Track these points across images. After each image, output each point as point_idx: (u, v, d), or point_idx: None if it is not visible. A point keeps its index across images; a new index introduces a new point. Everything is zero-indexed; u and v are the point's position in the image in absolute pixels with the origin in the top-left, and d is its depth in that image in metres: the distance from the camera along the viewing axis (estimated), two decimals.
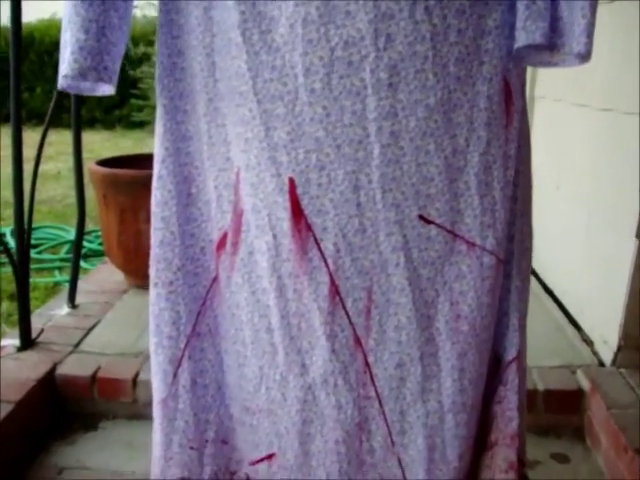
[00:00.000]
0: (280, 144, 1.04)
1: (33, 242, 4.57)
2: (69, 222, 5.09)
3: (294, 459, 1.23)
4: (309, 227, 1.07)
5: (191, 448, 1.28)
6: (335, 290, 1.11)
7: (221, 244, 1.17)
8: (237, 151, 1.09)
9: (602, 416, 2.08)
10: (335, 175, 1.05)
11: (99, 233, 4.83)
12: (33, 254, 4.32)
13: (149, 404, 2.30)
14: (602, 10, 2.44)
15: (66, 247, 4.75)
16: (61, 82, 1.14)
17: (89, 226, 4.78)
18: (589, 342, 2.51)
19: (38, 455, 2.16)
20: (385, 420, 1.19)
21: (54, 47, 9.61)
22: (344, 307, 1.12)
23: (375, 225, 1.08)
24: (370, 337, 1.14)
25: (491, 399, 1.25)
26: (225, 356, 1.25)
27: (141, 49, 7.73)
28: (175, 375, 1.24)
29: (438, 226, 1.08)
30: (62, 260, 4.52)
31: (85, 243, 4.47)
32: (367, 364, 1.16)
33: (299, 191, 1.05)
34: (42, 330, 2.62)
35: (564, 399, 2.23)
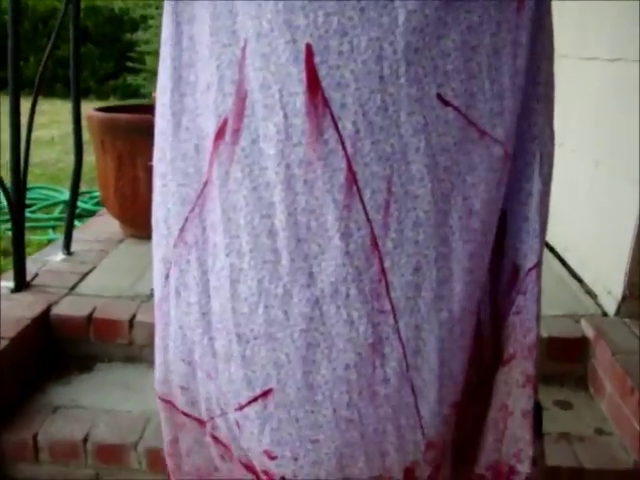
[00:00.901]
0: (297, 5, 0.93)
1: (27, 202, 4.52)
2: (62, 184, 5.04)
3: (295, 393, 1.08)
4: (326, 102, 0.96)
5: (182, 360, 1.16)
6: (352, 178, 0.99)
7: (220, 133, 1.04)
8: (246, 20, 0.98)
9: (607, 362, 2.06)
10: (358, 42, 0.94)
11: (94, 194, 4.80)
12: (27, 213, 4.27)
13: (146, 346, 2.29)
14: None
15: (59, 207, 4.70)
16: None
17: (83, 187, 4.73)
18: (592, 294, 2.48)
19: (32, 394, 2.12)
20: (400, 339, 1.07)
21: (48, 15, 9.51)
22: (362, 200, 1.00)
23: (397, 103, 0.97)
24: (388, 237, 1.02)
25: (508, 310, 1.20)
26: (212, 276, 1.10)
27: (138, 12, 7.64)
28: (167, 277, 1.13)
29: (455, 109, 0.99)
30: (56, 219, 4.47)
31: (79, 203, 4.42)
32: (383, 270, 1.03)
33: (317, 60, 0.94)
34: (37, 274, 2.57)
35: (568, 347, 2.20)
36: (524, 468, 1.24)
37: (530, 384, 1.20)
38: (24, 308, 2.26)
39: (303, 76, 0.96)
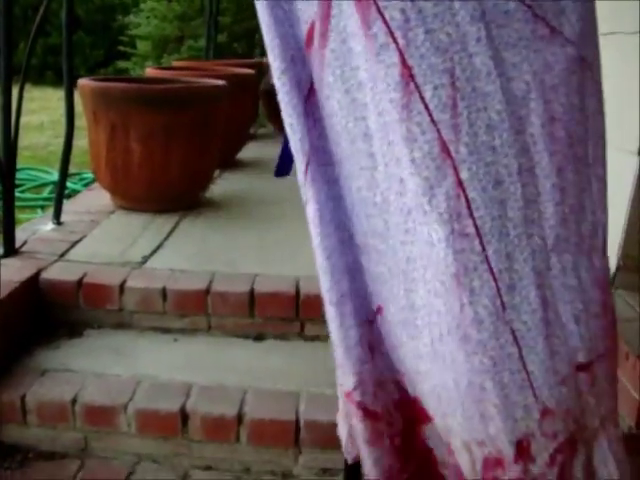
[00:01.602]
0: None
1: (16, 182, 4.48)
2: (52, 167, 5.00)
3: (399, 312, 1.00)
4: None
5: (330, 303, 1.05)
6: (408, 74, 0.88)
7: (309, 39, 0.96)
8: None
9: None
10: None
11: (83, 176, 4.77)
12: (16, 193, 4.23)
13: (136, 312, 2.26)
14: None
15: (48, 188, 4.66)
16: None
17: (73, 169, 4.69)
18: None
19: (20, 357, 2.09)
20: (491, 270, 0.91)
21: (39, 2, 9.37)
22: (422, 98, 0.88)
23: None
24: (461, 142, 0.89)
25: None
26: (336, 186, 1.03)
27: None
28: (307, 202, 1.04)
29: None
30: (45, 199, 4.43)
31: (69, 184, 4.37)
32: (461, 183, 0.90)
33: None
34: (26, 241, 2.54)
35: None
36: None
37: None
38: (13, 272, 2.22)
39: None
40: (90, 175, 4.58)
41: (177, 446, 1.91)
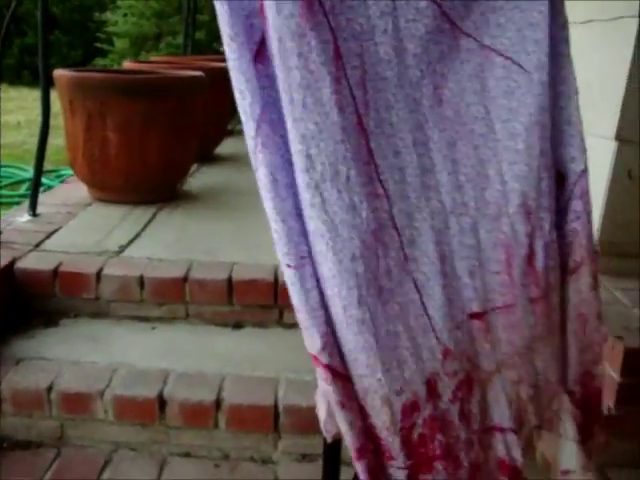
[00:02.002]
0: None
1: None
2: (28, 165, 4.96)
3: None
4: None
5: (288, 266, 1.06)
6: (337, 52, 0.99)
7: (261, 8, 1.00)
8: None
9: None
10: None
11: (60, 172, 4.73)
12: None
13: (113, 301, 2.24)
14: None
15: (25, 185, 4.62)
16: None
17: (49, 167, 4.66)
18: None
19: None
20: (395, 226, 1.05)
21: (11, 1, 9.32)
22: (345, 75, 1.00)
23: None
24: (370, 116, 1.02)
25: (564, 220, 1.16)
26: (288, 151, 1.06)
27: None
28: (257, 169, 1.05)
29: None
30: (21, 196, 4.39)
31: (45, 180, 4.33)
32: (370, 151, 1.03)
33: None
34: (0, 232, 2.50)
35: None
36: (598, 370, 1.23)
37: (597, 286, 1.18)
38: None
39: None
40: (67, 172, 4.55)
41: (155, 433, 1.89)
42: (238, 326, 2.22)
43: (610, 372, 1.84)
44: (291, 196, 1.05)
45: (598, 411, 1.27)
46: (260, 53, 1.03)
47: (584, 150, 1.15)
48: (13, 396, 1.88)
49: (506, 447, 1.16)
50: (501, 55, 1.10)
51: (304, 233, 1.06)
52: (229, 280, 2.18)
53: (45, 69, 2.61)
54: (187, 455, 1.90)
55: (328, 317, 1.06)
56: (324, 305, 1.06)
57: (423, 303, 1.07)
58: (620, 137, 2.16)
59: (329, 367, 1.05)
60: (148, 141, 2.77)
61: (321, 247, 1.02)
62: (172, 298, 2.22)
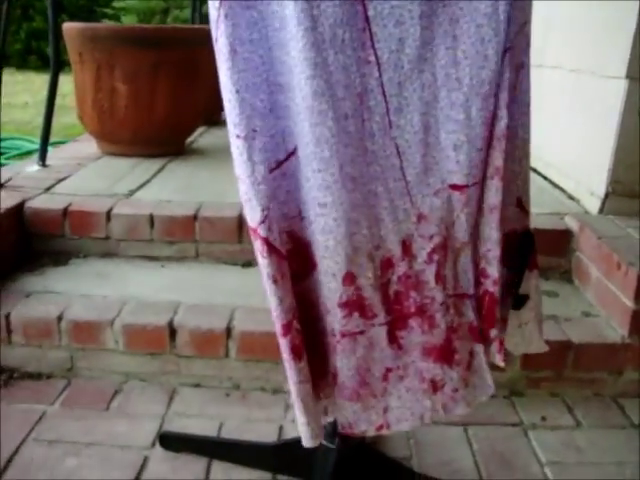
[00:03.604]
0: None
1: (0, 150, 4.45)
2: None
3: (304, 148, 1.08)
4: None
5: (238, 137, 1.09)
6: None
7: None
8: None
9: (592, 247, 2.04)
10: None
11: (65, 144, 4.73)
12: (1, 160, 4.19)
13: (123, 240, 2.24)
14: None
15: (34, 156, 4.61)
16: None
17: (56, 139, 4.66)
18: (575, 199, 2.47)
19: (4, 283, 2.05)
20: (383, 93, 1.08)
21: None
22: None
23: None
24: None
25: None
26: (253, 28, 1.08)
27: None
28: (216, 40, 1.08)
29: None
30: None
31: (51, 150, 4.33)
32: (367, 19, 1.05)
33: None
34: (10, 178, 2.50)
35: (553, 239, 2.18)
36: (493, 271, 1.23)
37: (498, 176, 1.19)
38: None
39: None
40: None
41: (165, 363, 1.88)
42: (248, 265, 2.21)
43: (623, 299, 1.82)
44: (250, 69, 1.07)
45: (492, 316, 1.27)
46: None
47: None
48: (23, 326, 1.88)
49: (475, 314, 1.24)
50: None
51: (263, 108, 1.08)
52: (239, 218, 2.17)
53: (56, 50, 2.63)
54: (197, 385, 1.89)
55: (270, 192, 1.09)
56: (267, 180, 1.08)
57: (402, 168, 1.12)
58: (630, 75, 2.15)
59: (266, 240, 1.09)
60: (157, 92, 2.76)
61: (322, 107, 1.05)
62: (182, 237, 2.21)
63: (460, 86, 1.10)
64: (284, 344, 1.12)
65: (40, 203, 2.26)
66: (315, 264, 1.14)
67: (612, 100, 2.23)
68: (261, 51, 1.08)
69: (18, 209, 2.21)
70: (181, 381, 1.89)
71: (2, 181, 2.42)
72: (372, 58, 1.07)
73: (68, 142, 4.62)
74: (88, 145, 3.07)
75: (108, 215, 2.20)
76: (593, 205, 2.31)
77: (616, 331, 1.86)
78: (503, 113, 1.18)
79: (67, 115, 3.26)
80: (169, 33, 2.88)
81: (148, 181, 2.57)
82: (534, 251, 1.38)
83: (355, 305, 1.13)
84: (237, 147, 1.09)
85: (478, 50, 1.10)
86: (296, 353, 1.13)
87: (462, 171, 1.14)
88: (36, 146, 4.63)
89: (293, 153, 1.11)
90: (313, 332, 1.19)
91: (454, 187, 1.14)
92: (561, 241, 2.18)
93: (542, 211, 2.30)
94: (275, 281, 1.10)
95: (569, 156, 2.59)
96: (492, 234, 1.22)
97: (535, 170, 2.89)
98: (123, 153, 2.87)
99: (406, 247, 1.15)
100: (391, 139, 1.11)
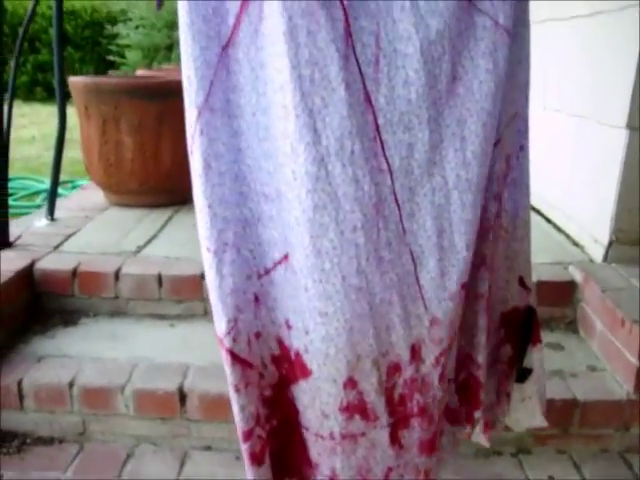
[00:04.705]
0: None
1: (9, 191, 4.47)
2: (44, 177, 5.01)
3: (304, 259, 1.07)
4: None
5: (208, 250, 1.10)
6: (348, 30, 1.01)
7: None
8: None
9: (596, 300, 2.05)
10: None
11: (75, 183, 4.77)
12: (10, 201, 4.22)
13: (132, 299, 2.26)
14: None
15: (41, 196, 4.65)
16: None
17: (65, 178, 4.70)
18: (579, 245, 2.49)
19: (16, 345, 2.08)
20: (396, 201, 1.09)
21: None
22: (354, 52, 1.02)
23: None
24: (380, 93, 1.05)
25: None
26: (238, 139, 1.09)
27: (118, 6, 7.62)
28: (192, 153, 1.09)
29: None
30: (37, 207, 4.42)
31: (61, 191, 4.37)
32: (377, 128, 1.06)
33: None
34: (20, 235, 2.53)
35: (557, 291, 2.20)
36: (478, 356, 1.26)
37: (485, 265, 1.20)
38: (7, 263, 2.22)
39: None
40: (82, 183, 4.59)
41: (176, 427, 1.90)
42: None
43: (628, 355, 1.84)
44: (224, 183, 1.08)
45: (477, 399, 1.30)
46: (232, 37, 1.06)
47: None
48: (35, 392, 1.90)
49: (454, 397, 1.28)
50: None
51: (239, 222, 1.09)
52: None
53: (61, 82, 2.66)
54: (208, 448, 1.91)
55: (239, 304, 1.10)
56: (239, 293, 1.09)
57: (416, 273, 1.12)
58: (631, 125, 2.17)
59: (230, 351, 1.10)
60: (162, 143, 2.80)
61: (324, 219, 1.05)
62: (190, 295, 2.24)
63: (470, 186, 1.11)
64: (244, 449, 1.14)
65: (49, 263, 2.29)
66: (309, 371, 1.13)
67: (613, 149, 2.25)
68: (248, 161, 1.09)
69: (28, 270, 2.24)
70: (192, 444, 1.91)
71: (12, 239, 2.46)
72: (384, 166, 1.07)
73: (76, 185, 4.69)
74: (95, 194, 3.10)
75: (117, 275, 2.23)
76: (597, 252, 2.33)
77: (622, 387, 1.87)
78: (492, 204, 1.20)
79: (73, 149, 3.29)
80: (172, 85, 2.91)
81: (155, 236, 2.60)
82: (537, 326, 1.40)
83: (357, 408, 1.14)
84: (206, 259, 1.10)
85: (484, 149, 1.12)
86: (255, 459, 1.15)
87: (470, 267, 1.16)
88: (45, 186, 4.69)
89: (280, 262, 1.11)
90: (299, 434, 1.20)
91: (464, 285, 1.15)
92: (566, 292, 2.19)
93: (546, 260, 2.31)
94: (237, 390, 1.12)
95: (573, 200, 2.61)
96: (479, 321, 1.25)
97: (539, 212, 2.91)
98: (130, 204, 2.91)
99: (415, 351, 1.15)
100: (405, 245, 1.11)
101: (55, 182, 2.75)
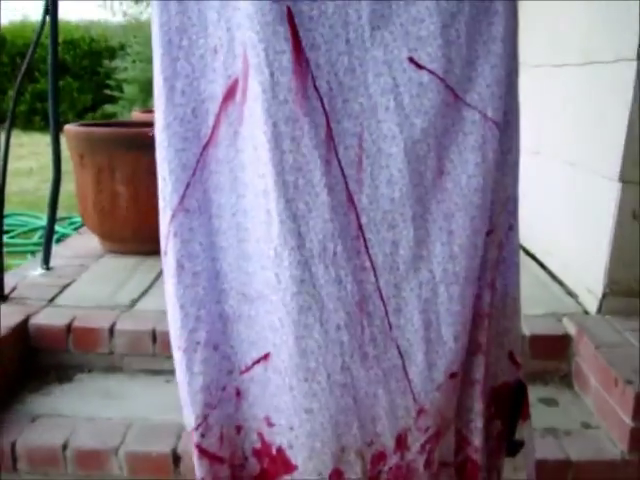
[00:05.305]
0: None
1: (5, 228, 4.48)
2: (41, 212, 5.01)
3: (288, 360, 1.07)
4: (307, 61, 1.00)
5: (179, 348, 1.12)
6: (330, 134, 1.03)
7: (229, 94, 1.05)
8: None
9: (590, 356, 2.05)
10: (325, 7, 1.00)
11: (73, 220, 4.77)
12: (5, 239, 4.23)
13: (127, 355, 2.26)
14: None
15: (38, 233, 4.66)
16: None
17: (62, 213, 4.70)
18: (573, 295, 2.49)
19: (10, 404, 2.08)
20: (381, 297, 1.09)
21: (26, 49, 9.48)
22: (337, 155, 1.04)
23: (364, 65, 1.02)
24: (363, 193, 1.06)
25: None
26: (219, 237, 1.10)
27: (116, 40, 7.68)
28: (165, 253, 1.11)
29: (430, 72, 1.03)
30: (34, 245, 4.43)
31: (58, 228, 4.38)
32: (360, 227, 1.06)
33: (296, 21, 0.99)
34: (15, 287, 2.54)
35: (551, 344, 2.20)
36: (475, 440, 1.25)
37: (481, 352, 1.21)
38: (2, 319, 2.21)
39: (289, 35, 0.98)
40: (79, 219, 4.59)
41: None
42: None
43: (622, 415, 1.84)
44: (198, 283, 1.10)
45: None
46: (213, 137, 1.08)
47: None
48: (29, 454, 1.90)
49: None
50: None
51: (213, 321, 1.11)
52: None
53: (55, 118, 2.66)
54: None
55: (210, 401, 1.12)
56: (208, 388, 1.11)
57: (405, 368, 1.12)
58: (623, 178, 2.18)
59: (198, 446, 1.13)
60: (155, 194, 2.80)
61: (308, 320, 1.06)
62: None
63: (457, 279, 1.12)
64: None
65: (44, 318, 2.29)
66: (294, 466, 1.13)
67: (607, 200, 2.26)
68: (229, 259, 1.11)
69: (23, 326, 2.24)
70: None
71: (7, 291, 2.46)
72: (368, 264, 1.08)
73: (73, 221, 4.70)
74: (90, 239, 3.11)
75: (111, 331, 2.23)
76: (591, 303, 2.33)
77: (616, 446, 1.87)
78: (485, 292, 1.20)
79: (70, 181, 3.31)
80: None
81: (149, 287, 2.60)
82: (526, 402, 1.40)
83: None
84: (178, 358, 1.12)
85: (472, 242, 1.12)
86: None
87: (458, 358, 1.16)
88: (42, 222, 4.70)
89: (259, 361, 1.12)
90: None
91: (452, 375, 1.15)
92: (560, 345, 2.20)
93: (540, 311, 2.32)
94: None
95: (567, 248, 2.62)
96: (475, 406, 1.25)
97: (534, 257, 2.92)
98: (124, 251, 2.91)
99: (401, 440, 1.15)
100: (392, 340, 1.11)
101: (50, 233, 2.75)
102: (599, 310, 2.29)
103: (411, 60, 1.03)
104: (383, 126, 1.05)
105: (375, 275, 1.09)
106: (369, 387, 1.10)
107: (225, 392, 1.14)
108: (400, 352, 1.11)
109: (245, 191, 1.07)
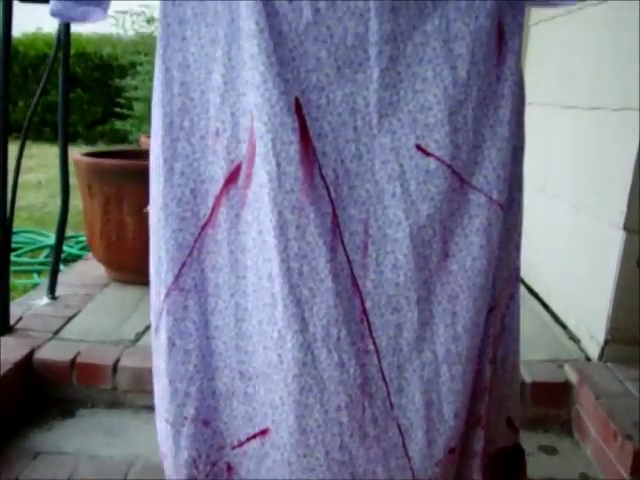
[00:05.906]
0: (286, 60, 1.00)
1: (13, 246, 4.50)
2: (48, 228, 5.03)
3: (288, 437, 1.10)
4: (314, 150, 1.02)
5: (166, 421, 1.17)
6: (336, 222, 1.05)
7: (232, 178, 1.08)
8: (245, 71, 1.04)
9: (590, 406, 2.06)
10: (334, 96, 1.02)
11: (79, 239, 4.79)
12: (12, 257, 4.24)
13: (130, 391, 2.27)
14: (592, 9, 2.47)
15: (45, 251, 4.68)
16: (51, 6, 1.12)
17: (69, 232, 4.72)
18: (576, 339, 2.49)
19: (13, 439, 2.09)
20: (383, 378, 1.11)
21: (38, 61, 9.60)
22: (342, 241, 1.06)
23: (371, 152, 1.05)
24: (368, 278, 1.08)
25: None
26: (214, 316, 1.13)
27: (127, 58, 7.73)
28: (157, 329, 1.15)
29: (437, 159, 1.05)
30: (41, 264, 4.44)
31: (65, 248, 4.40)
32: (364, 311, 1.09)
33: (304, 112, 1.02)
34: (21, 318, 2.56)
35: (551, 392, 2.20)
36: None
37: (481, 425, 1.22)
38: (7, 352, 2.24)
39: (297, 125, 1.00)
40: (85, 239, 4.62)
41: None
42: None
43: (620, 469, 1.84)
44: (189, 361, 1.12)
45: None
46: (212, 218, 1.10)
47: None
48: None
49: None
50: None
51: (193, 396, 1.13)
52: None
53: (64, 153, 2.68)
54: None
55: (195, 475, 1.15)
56: (192, 463, 1.15)
57: (405, 445, 1.14)
58: (627, 227, 2.19)
59: None
60: None
61: (309, 401, 1.08)
62: None
63: (460, 359, 1.14)
64: None
65: (48, 352, 2.31)
66: None
67: (610, 246, 2.26)
68: (224, 338, 1.13)
69: (27, 360, 2.26)
70: None
71: (12, 321, 2.48)
72: (371, 347, 1.10)
73: (80, 240, 4.72)
74: (96, 267, 3.13)
75: (114, 367, 2.25)
76: (593, 349, 2.34)
77: None
78: (487, 367, 1.22)
79: (78, 198, 3.33)
80: None
81: None
82: (524, 467, 1.41)
83: None
84: (165, 430, 1.16)
85: (475, 322, 1.14)
86: None
87: (457, 433, 1.18)
88: (49, 241, 4.73)
89: (255, 437, 1.15)
90: None
91: (451, 450, 1.17)
92: (560, 393, 2.20)
93: (542, 357, 2.33)
94: None
95: (570, 291, 2.62)
96: (473, 477, 1.26)
97: (537, 296, 2.93)
98: (130, 280, 2.93)
99: None
100: (393, 420, 1.13)
101: (56, 263, 2.78)
102: (601, 357, 2.30)
103: (418, 147, 1.05)
104: (389, 212, 1.07)
105: (378, 358, 1.11)
106: (368, 465, 1.13)
107: (216, 467, 1.16)
108: (401, 431, 1.13)
109: (245, 272, 1.09)
